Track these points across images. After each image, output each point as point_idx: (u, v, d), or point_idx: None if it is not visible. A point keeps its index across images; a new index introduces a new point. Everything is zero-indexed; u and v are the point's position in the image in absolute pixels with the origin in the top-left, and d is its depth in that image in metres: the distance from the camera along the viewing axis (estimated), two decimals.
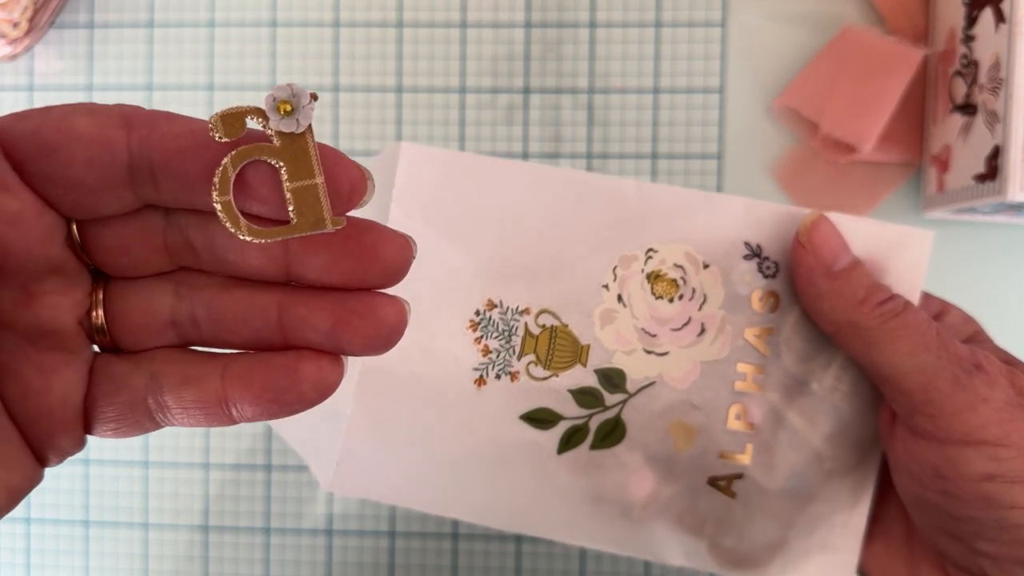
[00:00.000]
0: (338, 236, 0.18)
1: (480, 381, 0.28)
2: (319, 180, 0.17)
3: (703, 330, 0.27)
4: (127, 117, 0.17)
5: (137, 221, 0.19)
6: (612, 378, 0.28)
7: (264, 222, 0.18)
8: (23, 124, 0.17)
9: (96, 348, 0.20)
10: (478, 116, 0.40)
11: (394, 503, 0.28)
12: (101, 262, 0.19)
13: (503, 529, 0.28)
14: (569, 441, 0.28)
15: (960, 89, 0.35)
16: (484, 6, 0.40)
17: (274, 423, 0.32)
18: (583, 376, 0.28)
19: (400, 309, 0.19)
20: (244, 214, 0.18)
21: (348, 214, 0.18)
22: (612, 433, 0.28)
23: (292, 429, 0.31)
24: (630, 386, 0.28)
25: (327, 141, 0.41)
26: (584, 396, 0.28)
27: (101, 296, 0.19)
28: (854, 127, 0.37)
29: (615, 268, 0.27)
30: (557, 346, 0.27)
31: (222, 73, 0.41)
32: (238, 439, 0.41)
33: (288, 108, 0.17)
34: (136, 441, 0.41)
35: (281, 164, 0.17)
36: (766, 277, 0.27)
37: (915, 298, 0.27)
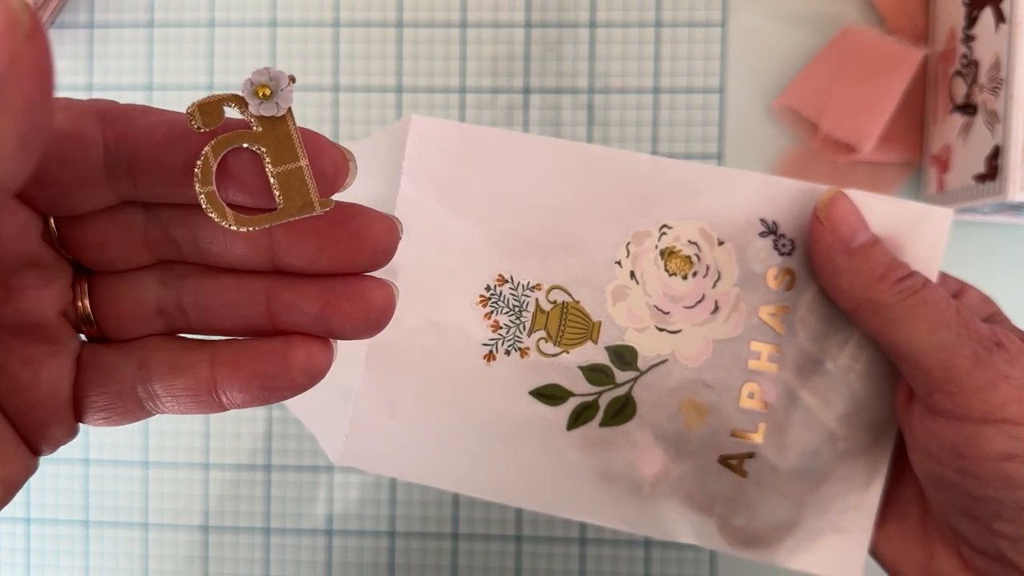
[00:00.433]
0: (324, 222, 0.18)
1: (490, 356, 0.27)
2: (303, 163, 0.17)
3: (717, 308, 0.27)
4: (102, 112, 0.17)
5: (116, 217, 0.18)
6: (623, 355, 0.27)
7: (249, 211, 0.18)
8: None
9: (85, 338, 0.20)
10: (478, 116, 0.40)
11: (402, 477, 0.28)
12: (80, 258, 0.19)
13: (511, 504, 0.28)
14: (579, 418, 0.28)
15: (960, 89, 0.35)
16: (484, 6, 0.40)
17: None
18: (594, 353, 0.27)
19: (388, 292, 0.19)
20: (229, 204, 0.17)
21: (332, 197, 0.18)
22: (622, 411, 0.28)
23: (301, 403, 0.31)
24: (641, 364, 0.27)
25: None
26: (594, 373, 0.27)
27: (86, 286, 0.19)
28: (854, 127, 0.37)
29: (628, 244, 0.27)
30: (568, 322, 0.27)
31: (222, 73, 0.41)
32: (238, 439, 0.41)
33: (267, 92, 0.17)
34: (136, 441, 0.41)
35: (263, 149, 0.17)
36: (782, 255, 0.27)
37: (933, 276, 0.26)
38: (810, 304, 0.27)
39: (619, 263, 0.27)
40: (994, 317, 0.28)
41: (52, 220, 0.18)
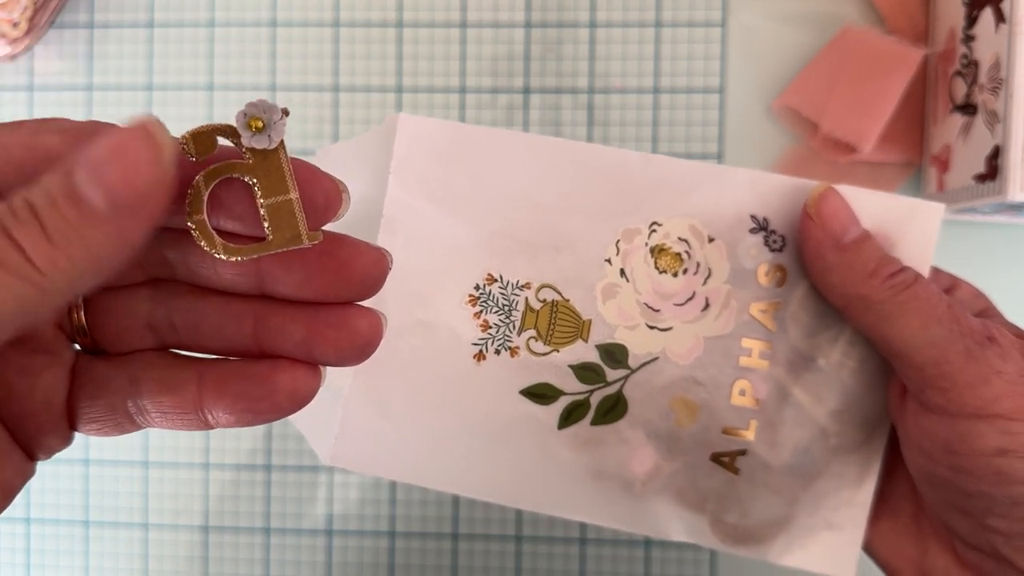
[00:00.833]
0: (312, 252, 0.18)
1: (479, 356, 0.27)
2: (294, 196, 0.17)
3: (707, 305, 0.27)
4: (96, 135, 0.17)
5: None
6: (614, 353, 0.27)
7: (239, 239, 0.18)
8: None
9: (80, 348, 0.20)
10: (478, 116, 0.40)
11: (393, 478, 0.28)
12: None
13: (502, 504, 0.28)
14: (570, 417, 0.28)
15: (960, 89, 0.35)
16: (484, 6, 0.40)
17: None
18: (584, 351, 0.27)
19: (375, 321, 0.19)
20: (219, 231, 0.18)
21: (323, 228, 0.18)
22: (613, 409, 0.28)
23: None
24: (632, 362, 0.27)
25: (327, 141, 0.41)
26: (585, 372, 0.27)
27: (81, 300, 0.19)
28: (854, 127, 0.37)
29: (618, 242, 0.27)
30: (558, 321, 0.27)
31: (222, 73, 0.41)
32: (238, 439, 0.41)
33: (260, 124, 0.17)
34: (136, 441, 0.41)
35: (255, 181, 0.17)
36: (773, 251, 0.27)
37: (925, 271, 0.26)
38: (801, 300, 0.27)
39: (609, 261, 0.27)
40: (986, 312, 0.28)
41: None
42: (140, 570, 0.42)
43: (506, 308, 0.27)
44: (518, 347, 0.27)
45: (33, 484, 0.42)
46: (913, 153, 0.39)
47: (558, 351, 0.27)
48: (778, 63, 0.39)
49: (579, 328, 0.27)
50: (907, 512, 0.28)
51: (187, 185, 0.17)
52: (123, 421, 0.20)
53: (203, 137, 0.17)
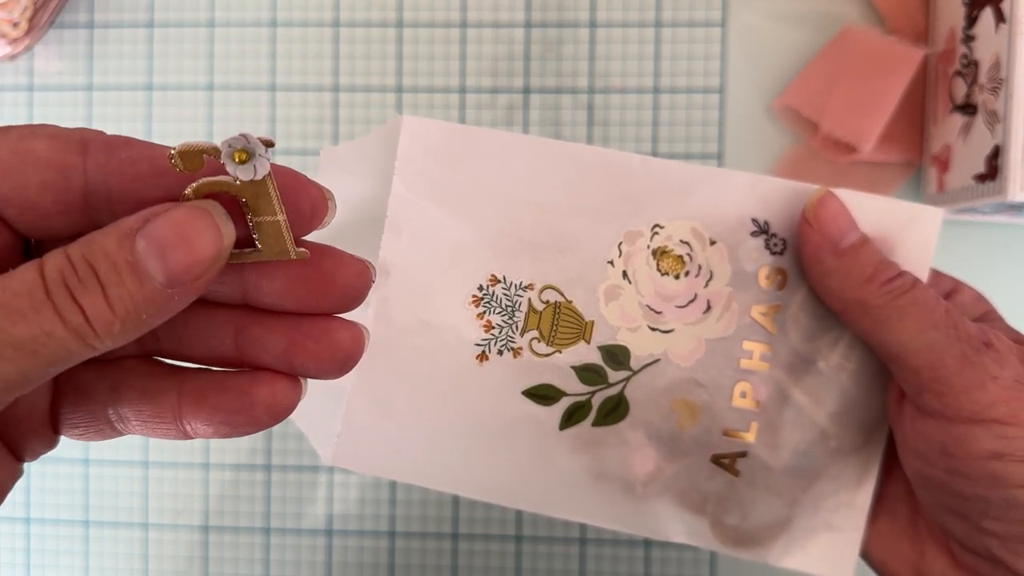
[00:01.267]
0: (295, 262, 0.18)
1: (482, 357, 0.27)
2: (281, 218, 0.18)
3: (709, 307, 0.27)
4: (86, 142, 0.18)
5: None
6: (616, 355, 0.27)
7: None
8: None
9: None
10: (478, 116, 0.40)
11: (394, 478, 0.28)
12: None
13: (503, 504, 0.28)
14: (571, 418, 0.28)
15: (960, 89, 0.35)
16: (484, 6, 0.40)
17: None
18: (587, 353, 0.27)
19: (356, 335, 0.19)
20: None
21: (306, 237, 0.18)
22: (615, 410, 0.28)
23: None
24: (634, 363, 0.27)
25: (327, 141, 0.41)
26: (587, 373, 0.27)
27: None
28: (854, 127, 0.37)
29: (620, 244, 0.27)
30: (561, 322, 0.27)
31: (222, 73, 0.41)
32: (238, 439, 0.41)
33: (244, 157, 0.17)
34: (136, 441, 0.41)
35: (243, 199, 0.18)
36: (773, 254, 0.27)
37: (924, 275, 0.26)
38: (801, 303, 0.27)
39: (611, 263, 0.27)
40: (987, 316, 0.28)
41: (32, 241, 0.19)
42: (140, 570, 0.42)
43: (509, 309, 0.27)
44: (521, 348, 0.27)
45: (33, 484, 0.42)
46: (913, 153, 0.39)
47: (560, 352, 0.27)
48: (778, 63, 0.39)
49: (581, 329, 0.27)
50: (904, 514, 0.28)
51: (175, 192, 0.18)
52: (104, 427, 0.20)
53: (190, 155, 0.17)
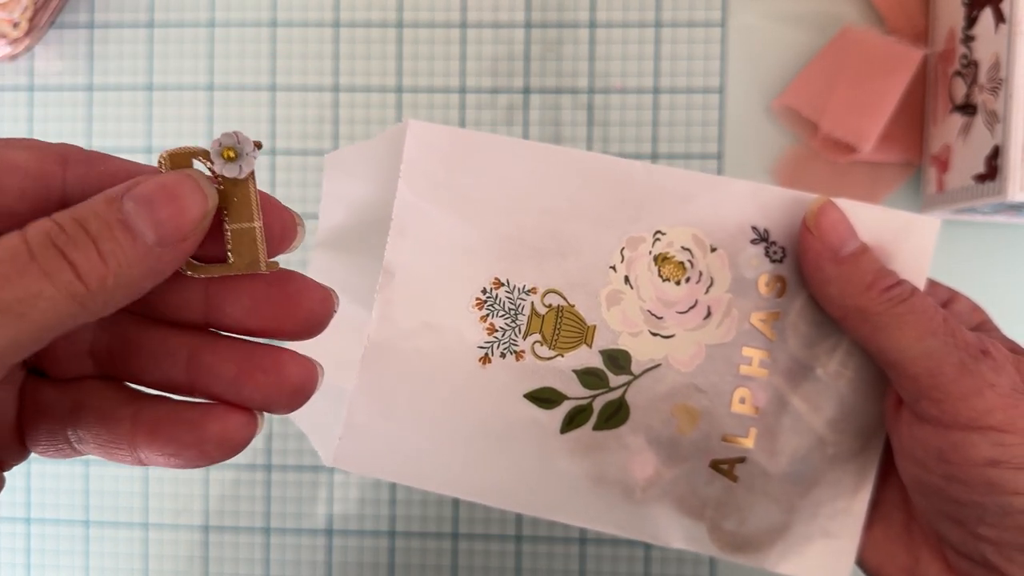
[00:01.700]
0: (260, 283, 0.19)
1: (485, 359, 0.28)
2: (257, 224, 0.18)
3: (709, 313, 0.27)
4: (65, 156, 0.18)
5: None
6: (617, 359, 0.28)
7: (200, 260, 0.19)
8: None
9: (27, 369, 0.20)
10: (478, 116, 0.40)
11: (395, 480, 0.28)
12: None
13: (503, 508, 0.28)
14: (572, 421, 0.28)
15: (960, 89, 0.35)
16: (484, 6, 0.40)
17: None
18: (588, 357, 0.27)
19: (307, 370, 0.19)
20: None
21: (274, 259, 0.19)
22: (616, 414, 0.28)
23: None
24: (635, 368, 0.28)
25: (327, 141, 0.41)
26: (589, 377, 0.28)
27: None
28: (854, 127, 0.37)
29: (623, 250, 0.27)
30: (563, 326, 0.27)
31: (222, 73, 0.41)
32: None
33: (232, 154, 0.18)
34: None
35: (221, 206, 0.18)
36: (773, 262, 0.27)
37: (921, 284, 0.26)
38: (800, 311, 0.27)
39: (614, 268, 0.27)
40: (983, 326, 0.29)
41: None
42: (140, 570, 0.42)
43: (512, 312, 0.27)
44: (523, 351, 0.27)
45: (33, 484, 0.42)
46: (913, 153, 0.39)
47: (562, 356, 0.28)
48: (778, 63, 0.39)
49: (583, 333, 0.27)
50: (899, 520, 0.28)
51: None
52: (64, 447, 0.20)
53: (179, 158, 0.18)
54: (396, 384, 0.28)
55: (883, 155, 0.38)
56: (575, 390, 0.28)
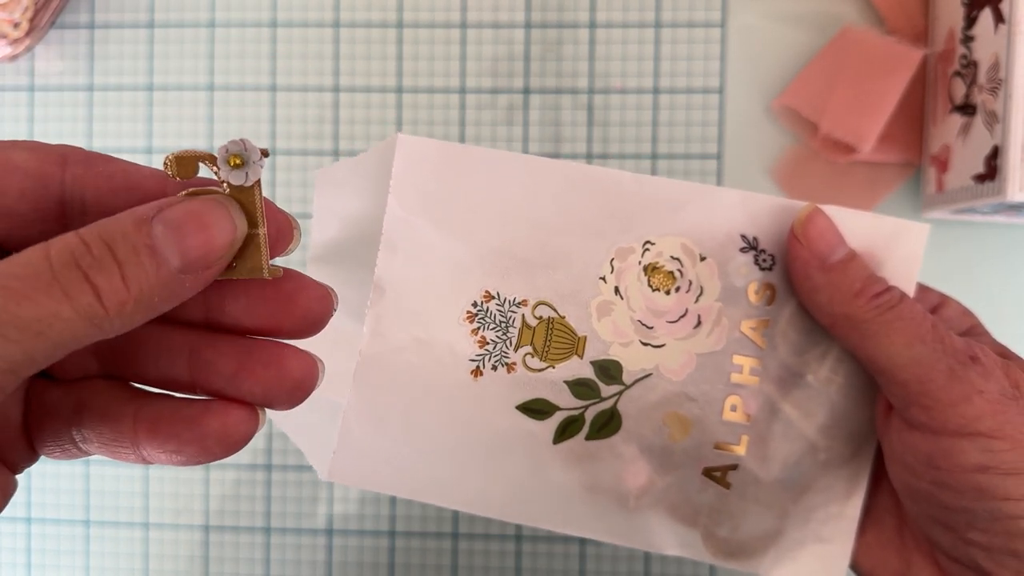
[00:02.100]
0: (258, 282, 0.19)
1: (476, 372, 0.28)
2: (261, 231, 0.18)
3: (699, 322, 0.28)
4: (65, 156, 0.18)
5: None
6: (608, 370, 0.28)
7: None
8: None
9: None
10: (478, 116, 0.40)
11: (391, 493, 0.29)
12: None
13: (498, 518, 0.29)
14: (565, 432, 0.28)
15: (959, 89, 0.35)
16: (484, 6, 0.40)
17: (270, 412, 0.32)
18: (579, 367, 0.28)
19: (308, 365, 0.19)
20: None
21: (275, 262, 0.19)
22: (608, 424, 0.28)
23: (288, 418, 0.31)
24: (626, 378, 0.28)
25: (327, 141, 0.41)
26: (580, 387, 0.28)
27: None
28: (854, 127, 0.37)
29: (612, 260, 0.27)
30: (554, 338, 0.28)
31: (222, 73, 0.41)
32: None
33: (239, 161, 0.18)
34: None
35: None
36: (762, 270, 0.27)
37: (911, 290, 0.27)
38: (790, 318, 0.28)
39: (603, 279, 0.27)
40: (973, 330, 0.29)
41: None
42: (141, 570, 0.42)
43: (503, 325, 0.28)
44: (515, 363, 0.28)
45: (33, 484, 0.42)
46: (912, 153, 0.39)
47: (554, 367, 0.28)
48: (778, 63, 0.39)
49: (574, 344, 0.28)
50: (891, 525, 0.28)
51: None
52: (70, 447, 0.20)
53: (186, 162, 0.18)
54: (389, 398, 0.28)
55: (883, 155, 0.38)
56: (567, 401, 0.28)
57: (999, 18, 0.32)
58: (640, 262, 0.27)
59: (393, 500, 0.41)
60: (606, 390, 0.28)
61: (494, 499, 0.28)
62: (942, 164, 0.36)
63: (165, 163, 0.18)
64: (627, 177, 0.27)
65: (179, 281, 0.17)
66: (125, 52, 0.41)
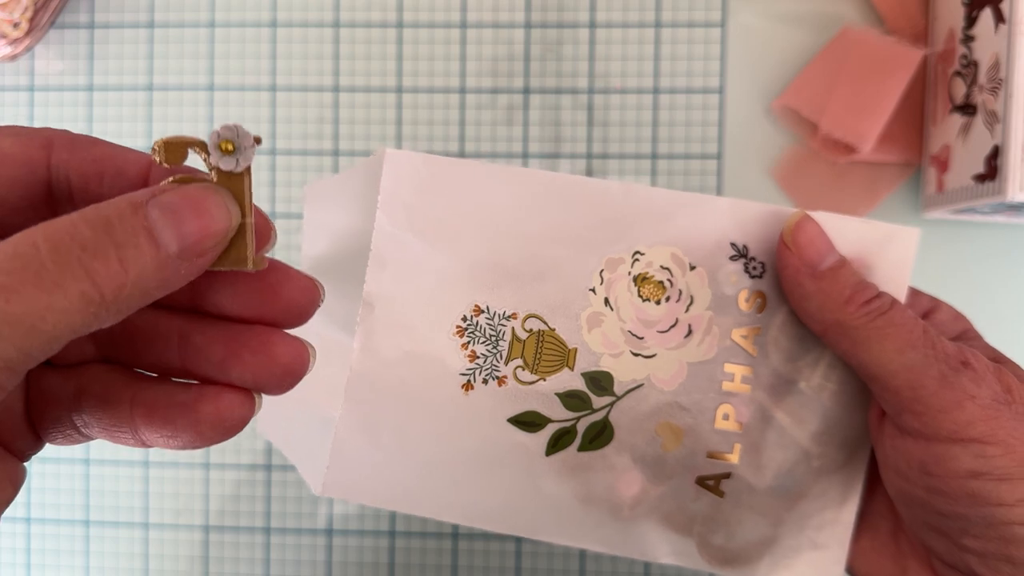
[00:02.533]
0: (241, 273, 0.19)
1: (468, 386, 0.28)
2: (249, 220, 0.18)
3: (690, 332, 0.28)
4: (50, 140, 0.18)
5: None
6: (599, 381, 0.28)
7: None
8: None
9: None
10: (478, 116, 0.40)
11: (385, 507, 0.29)
12: None
13: (493, 531, 0.29)
14: (557, 443, 0.28)
15: (960, 89, 0.35)
16: (484, 6, 0.40)
17: (261, 428, 0.32)
18: (570, 379, 0.28)
19: (298, 351, 0.19)
20: None
21: (262, 255, 0.19)
22: (600, 435, 0.28)
23: (280, 434, 0.31)
24: (617, 388, 0.28)
25: (327, 141, 0.41)
26: (571, 399, 0.28)
27: None
28: (854, 127, 0.37)
29: (601, 271, 0.27)
30: (544, 350, 0.28)
31: (222, 73, 0.41)
32: (238, 439, 0.41)
33: (230, 147, 0.18)
34: None
35: None
36: (753, 277, 0.27)
37: (902, 296, 0.27)
38: (781, 325, 0.28)
39: (593, 290, 0.27)
40: (966, 334, 0.29)
41: None
42: (141, 570, 0.42)
43: (493, 338, 0.28)
44: (505, 376, 0.28)
45: (33, 484, 0.42)
46: (913, 153, 0.39)
47: (544, 380, 0.28)
48: (778, 63, 0.39)
49: (565, 357, 0.28)
50: (886, 530, 0.28)
51: (133, 189, 0.18)
52: (72, 432, 0.20)
53: (175, 147, 0.18)
54: (381, 413, 0.28)
55: (883, 155, 0.38)
56: (558, 413, 0.28)
57: (999, 18, 0.32)
58: (630, 272, 0.27)
59: None
60: (597, 401, 0.28)
61: (488, 511, 0.28)
62: (942, 164, 0.36)
63: (154, 148, 0.17)
64: (615, 187, 0.27)
65: (175, 267, 0.16)
66: (125, 52, 0.41)
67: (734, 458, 0.28)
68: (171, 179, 0.18)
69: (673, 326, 0.28)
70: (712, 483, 0.28)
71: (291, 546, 0.41)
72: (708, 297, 0.27)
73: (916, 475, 0.25)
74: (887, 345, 0.25)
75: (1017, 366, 0.26)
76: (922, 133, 0.39)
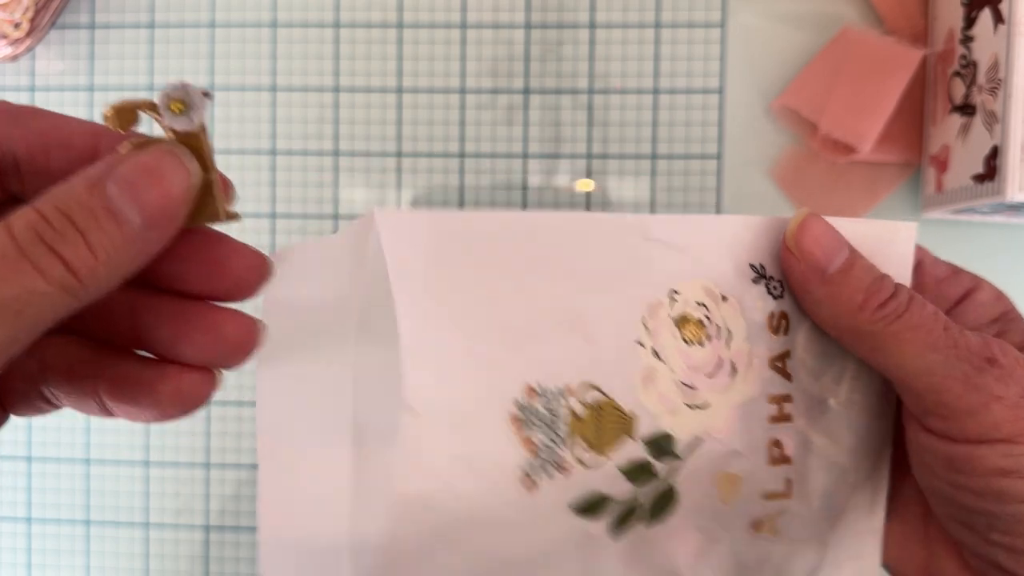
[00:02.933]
0: (188, 247, 0.19)
1: (529, 483, 0.24)
2: (214, 175, 0.18)
3: (735, 370, 0.26)
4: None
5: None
6: (661, 445, 0.25)
7: None
8: None
9: None
10: (478, 116, 0.40)
11: None
12: None
13: None
14: (624, 522, 0.26)
15: (959, 89, 0.35)
16: (484, 6, 0.40)
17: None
18: (633, 449, 0.25)
19: (245, 328, 0.19)
20: None
21: (213, 227, 0.19)
22: (666, 504, 0.26)
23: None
24: (679, 450, 0.26)
25: (328, 143, 0.41)
26: (636, 472, 0.25)
27: None
28: (853, 127, 0.37)
29: (644, 320, 0.25)
30: (604, 423, 0.25)
31: (222, 73, 0.41)
32: (239, 438, 0.41)
33: (181, 107, 0.17)
34: (137, 440, 0.41)
35: None
36: (775, 298, 0.25)
37: None
38: (805, 344, 0.26)
39: (640, 343, 0.25)
40: (1006, 316, 0.27)
41: None
42: (141, 570, 0.42)
43: (551, 422, 0.25)
44: (568, 462, 0.25)
45: (33, 484, 0.42)
46: (912, 153, 0.39)
47: (608, 457, 0.25)
48: (778, 63, 0.39)
49: (625, 425, 0.25)
50: (916, 515, 0.28)
51: (78, 163, 0.18)
52: (41, 403, 0.20)
53: (125, 112, 0.17)
54: (435, 536, 0.24)
55: (882, 155, 0.38)
56: (622, 489, 0.25)
57: (999, 18, 0.32)
58: (670, 315, 0.25)
59: None
60: (660, 468, 0.25)
61: None
62: (942, 164, 0.36)
63: (105, 116, 0.17)
64: (630, 220, 0.25)
65: (144, 238, 0.17)
66: (125, 52, 0.41)
67: (788, 493, 0.26)
68: (128, 144, 0.17)
69: (719, 367, 0.25)
70: (766, 524, 0.27)
71: None
72: (743, 328, 0.25)
73: (943, 471, 0.24)
74: (906, 349, 0.23)
75: None
76: (921, 133, 0.39)
